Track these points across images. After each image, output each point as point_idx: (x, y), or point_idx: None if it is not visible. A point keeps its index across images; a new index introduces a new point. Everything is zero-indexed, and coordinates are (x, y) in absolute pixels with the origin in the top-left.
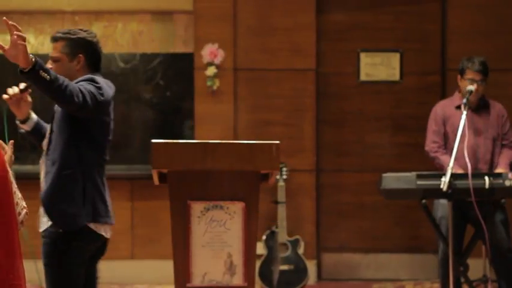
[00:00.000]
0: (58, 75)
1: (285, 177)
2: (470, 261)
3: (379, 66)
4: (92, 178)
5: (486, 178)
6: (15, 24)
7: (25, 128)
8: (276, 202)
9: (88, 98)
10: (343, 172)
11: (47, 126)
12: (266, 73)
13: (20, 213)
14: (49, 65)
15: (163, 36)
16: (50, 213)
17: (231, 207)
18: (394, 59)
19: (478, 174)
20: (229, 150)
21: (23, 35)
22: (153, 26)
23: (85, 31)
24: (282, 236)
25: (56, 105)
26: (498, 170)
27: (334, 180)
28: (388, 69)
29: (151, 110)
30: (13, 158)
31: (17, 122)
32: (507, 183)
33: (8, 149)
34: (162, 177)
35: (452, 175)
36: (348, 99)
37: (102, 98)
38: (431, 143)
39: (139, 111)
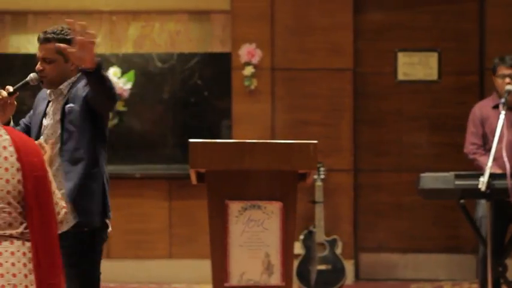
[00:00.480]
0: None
1: (322, 177)
2: (510, 262)
3: (416, 66)
4: (106, 175)
5: None
6: (84, 23)
7: None
8: (314, 202)
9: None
10: (381, 172)
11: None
12: (303, 73)
13: (59, 213)
14: (39, 67)
15: (200, 36)
16: (78, 212)
17: (268, 207)
18: (432, 58)
19: None
20: (267, 149)
21: (94, 35)
22: (190, 25)
23: (70, 32)
24: (320, 236)
25: (69, 105)
26: None
27: (372, 180)
28: (426, 68)
29: (189, 110)
30: (52, 158)
31: None
32: None
33: (48, 148)
34: (200, 176)
35: (491, 175)
36: (386, 99)
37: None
38: (470, 145)
39: (177, 111)
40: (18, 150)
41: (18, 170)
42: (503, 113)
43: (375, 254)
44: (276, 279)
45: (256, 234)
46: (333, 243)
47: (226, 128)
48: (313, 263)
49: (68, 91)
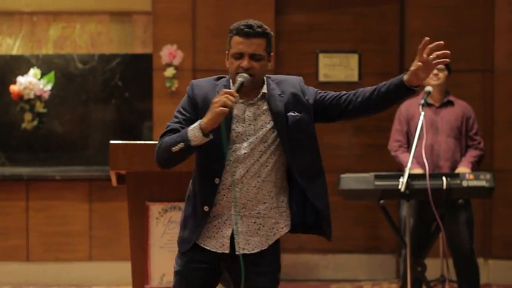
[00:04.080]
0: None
1: None
2: (428, 262)
3: (337, 67)
4: None
5: (444, 178)
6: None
7: (203, 140)
8: None
9: None
10: None
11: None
12: (225, 74)
13: None
14: (248, 64)
15: (122, 37)
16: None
17: None
18: (353, 60)
19: (436, 175)
20: None
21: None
22: (111, 26)
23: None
24: None
25: (297, 113)
26: (459, 170)
27: None
28: (347, 70)
29: (110, 111)
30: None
31: (201, 136)
32: (465, 183)
33: None
34: (120, 178)
35: (410, 175)
36: None
37: None
38: (393, 141)
39: (97, 112)
40: None
41: None
42: (422, 113)
43: (296, 254)
44: None
45: (176, 235)
46: None
47: (147, 129)
48: None
49: (269, 95)
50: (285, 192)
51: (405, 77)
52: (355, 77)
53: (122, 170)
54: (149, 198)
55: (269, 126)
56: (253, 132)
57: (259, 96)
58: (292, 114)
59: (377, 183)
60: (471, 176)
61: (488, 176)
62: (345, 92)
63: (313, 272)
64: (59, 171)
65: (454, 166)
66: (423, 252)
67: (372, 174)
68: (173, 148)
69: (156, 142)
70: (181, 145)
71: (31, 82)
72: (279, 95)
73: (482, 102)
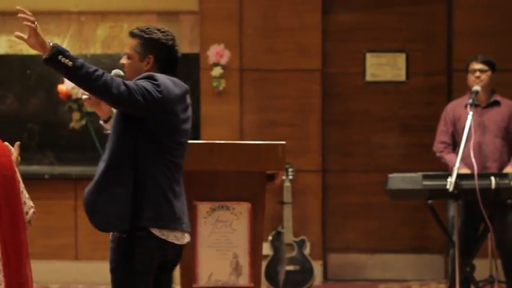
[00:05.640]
0: (86, 64)
1: (291, 177)
2: (477, 262)
3: (385, 67)
4: (155, 180)
5: (492, 178)
6: (22, 9)
7: (108, 127)
8: (282, 202)
9: (138, 94)
10: (349, 172)
11: None
12: (272, 73)
13: (27, 213)
14: (123, 61)
15: None
16: (91, 214)
17: (237, 207)
18: (400, 59)
19: (484, 175)
20: (236, 150)
21: (30, 17)
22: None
23: (162, 32)
24: (288, 237)
25: None
26: (506, 170)
27: (340, 181)
28: (394, 69)
29: None
30: (19, 158)
31: (101, 122)
32: None
33: (14, 150)
34: None
35: (459, 175)
36: (354, 100)
37: (159, 96)
38: (438, 143)
39: None
40: None
41: None
42: (471, 113)
43: (343, 254)
44: (244, 280)
45: (224, 235)
46: (301, 244)
47: (194, 128)
48: (281, 263)
49: None
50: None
51: None
52: (402, 77)
53: None
54: (197, 197)
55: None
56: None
57: None
58: None
59: (425, 183)
60: None
61: None
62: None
63: (360, 272)
64: None
65: (502, 167)
66: (472, 253)
67: (420, 174)
68: None
69: (204, 142)
70: None
71: None
72: None
73: None
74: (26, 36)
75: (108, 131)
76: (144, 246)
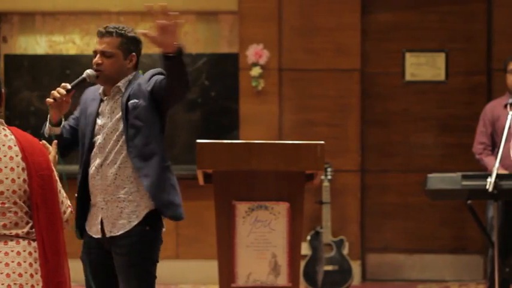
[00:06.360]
0: None
1: (329, 177)
2: None
3: (424, 66)
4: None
5: None
6: (165, 4)
7: (57, 131)
8: (321, 202)
9: None
10: (388, 172)
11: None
12: (311, 73)
13: (65, 212)
14: (98, 60)
15: (208, 36)
16: (164, 207)
17: (275, 207)
18: (440, 59)
19: None
20: (274, 150)
21: (177, 16)
22: (198, 26)
23: (131, 30)
24: (327, 237)
25: (133, 101)
26: None
27: (379, 181)
28: (434, 69)
29: (196, 111)
30: (57, 157)
31: (49, 126)
32: None
33: (52, 149)
34: (207, 177)
35: (498, 175)
36: (393, 100)
37: None
38: (477, 144)
39: (184, 111)
40: (23, 149)
41: (23, 169)
42: (510, 113)
43: (382, 254)
44: (282, 279)
45: (263, 234)
46: (339, 244)
47: (233, 128)
48: (320, 263)
49: (126, 89)
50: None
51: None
52: (442, 76)
53: (208, 169)
54: (236, 197)
55: (118, 116)
56: (110, 124)
57: (114, 91)
58: (132, 102)
59: (464, 183)
60: None
61: None
62: None
63: (399, 272)
64: None
65: None
66: (511, 253)
67: (459, 174)
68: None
69: (243, 141)
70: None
71: None
72: (133, 87)
73: None
74: (155, 35)
75: (54, 134)
76: (159, 235)
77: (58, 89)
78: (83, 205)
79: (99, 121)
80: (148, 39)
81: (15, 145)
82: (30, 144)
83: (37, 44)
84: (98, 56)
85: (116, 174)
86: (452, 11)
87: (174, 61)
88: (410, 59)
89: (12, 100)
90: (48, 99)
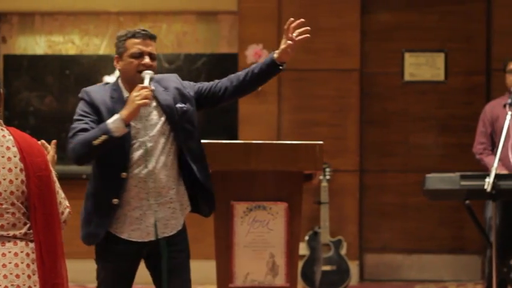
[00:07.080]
0: None
1: (328, 177)
2: None
3: (423, 66)
4: None
5: None
6: (303, 21)
7: (125, 131)
8: (319, 202)
9: None
10: (387, 172)
11: None
12: (310, 73)
13: (63, 213)
14: (150, 62)
15: (207, 36)
16: (213, 201)
17: (274, 207)
18: (439, 59)
19: None
20: (273, 150)
21: (308, 30)
22: (197, 26)
23: None
24: (325, 237)
25: (181, 105)
26: None
27: (378, 181)
28: (433, 69)
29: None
30: (55, 157)
31: (123, 127)
32: None
33: (51, 149)
34: None
35: (497, 176)
36: (392, 100)
37: None
38: (478, 144)
39: None
40: (21, 150)
41: (21, 170)
42: (509, 113)
43: (380, 254)
44: (280, 280)
45: (261, 235)
46: (337, 244)
47: (232, 128)
48: (318, 263)
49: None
50: (181, 176)
51: (275, 55)
52: (441, 76)
53: None
54: (234, 197)
55: (163, 119)
56: (150, 127)
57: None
58: (180, 106)
59: (463, 183)
60: None
61: None
62: (218, 81)
63: (397, 272)
64: None
65: None
66: (509, 253)
67: (458, 174)
68: (94, 142)
69: (242, 141)
70: (104, 137)
71: None
72: (163, 90)
73: None
74: (289, 50)
75: (119, 134)
76: None
77: (142, 90)
78: (103, 209)
79: (133, 123)
80: (288, 47)
81: (13, 146)
82: (29, 145)
83: (36, 44)
84: (147, 57)
85: (168, 176)
86: (452, 11)
87: (279, 71)
88: (409, 59)
89: (12, 100)
90: (145, 101)
